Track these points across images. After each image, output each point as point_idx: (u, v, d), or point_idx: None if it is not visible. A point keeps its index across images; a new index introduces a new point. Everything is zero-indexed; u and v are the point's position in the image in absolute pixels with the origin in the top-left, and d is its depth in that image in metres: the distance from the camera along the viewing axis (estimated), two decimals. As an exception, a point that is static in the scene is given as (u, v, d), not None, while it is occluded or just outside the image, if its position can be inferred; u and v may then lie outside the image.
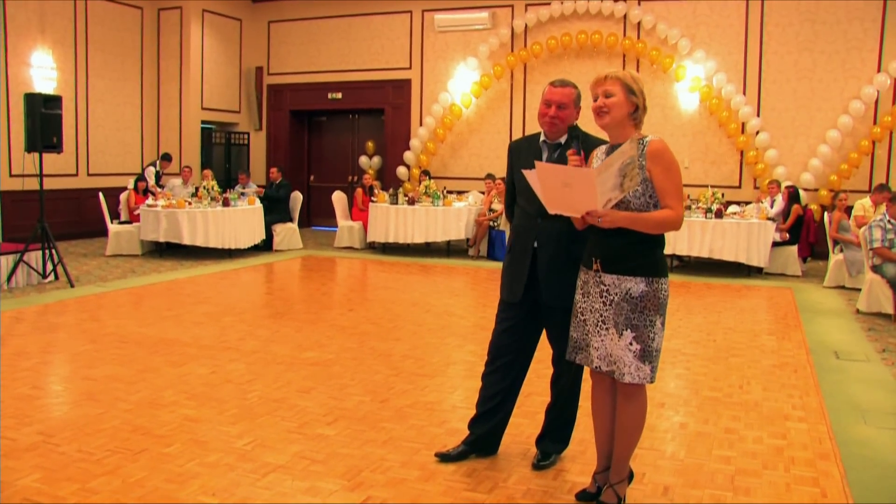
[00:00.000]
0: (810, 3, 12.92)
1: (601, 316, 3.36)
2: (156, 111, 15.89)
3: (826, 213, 11.21)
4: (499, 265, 4.23)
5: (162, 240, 11.63)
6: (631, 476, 3.61)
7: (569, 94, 3.72)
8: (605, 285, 3.34)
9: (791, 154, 13.09)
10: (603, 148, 3.51)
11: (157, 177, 13.90)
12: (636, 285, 3.28)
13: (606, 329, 3.34)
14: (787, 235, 11.21)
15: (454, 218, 12.47)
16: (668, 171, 3.25)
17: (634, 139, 3.19)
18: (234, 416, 4.70)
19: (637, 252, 3.30)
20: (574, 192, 3.14)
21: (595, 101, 3.35)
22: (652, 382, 3.34)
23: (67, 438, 4.26)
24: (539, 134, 3.86)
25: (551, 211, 3.33)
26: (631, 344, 3.28)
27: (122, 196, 12.96)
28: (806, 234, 11.56)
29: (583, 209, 3.20)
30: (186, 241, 11.44)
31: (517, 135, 14.52)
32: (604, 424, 3.58)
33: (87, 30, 14.19)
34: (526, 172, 3.31)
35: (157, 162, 14.16)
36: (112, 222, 12.23)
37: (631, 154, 3.07)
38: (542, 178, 3.21)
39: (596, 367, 3.42)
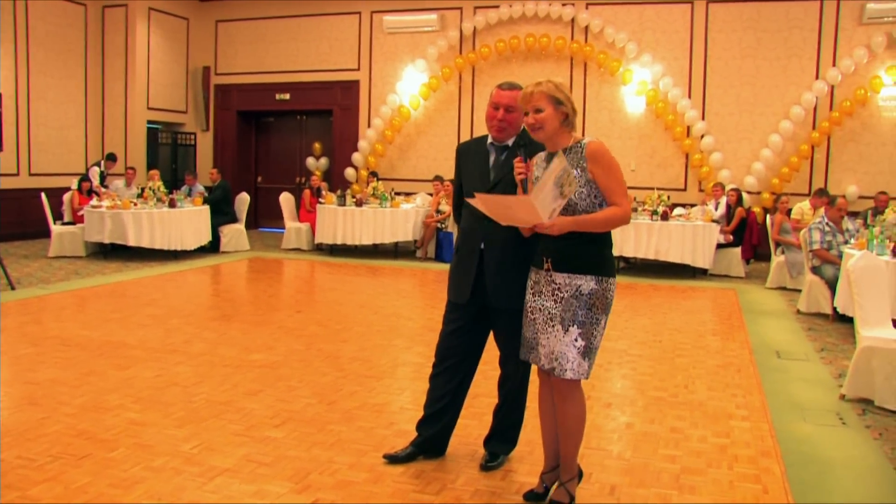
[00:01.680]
0: (752, 10, 13.20)
1: (549, 314, 3.41)
2: (100, 110, 15.59)
3: (768, 216, 11.44)
4: (446, 267, 4.25)
5: (107, 241, 11.42)
6: (580, 474, 3.66)
7: (517, 96, 3.72)
8: (556, 284, 3.40)
9: (735, 157, 13.35)
10: (542, 155, 3.56)
11: (102, 177, 13.65)
12: (587, 283, 3.36)
13: (552, 326, 3.39)
14: (731, 237, 11.41)
15: (402, 220, 12.45)
16: (609, 170, 3.35)
17: (561, 154, 3.34)
18: (180, 419, 4.64)
19: (586, 251, 3.38)
20: (517, 212, 3.27)
21: (526, 115, 3.44)
22: (587, 378, 3.43)
23: (7, 444, 4.15)
24: (486, 136, 3.88)
25: (503, 223, 3.42)
26: (576, 340, 3.35)
27: (66, 196, 12.70)
28: (749, 236, 11.78)
29: (530, 223, 3.30)
30: (132, 242, 11.25)
31: (465, 137, 14.56)
32: (550, 423, 3.62)
33: (27, 26, 13.87)
34: (469, 200, 3.41)
35: (102, 162, 13.92)
36: (55, 223, 11.97)
37: (562, 166, 3.19)
38: (484, 206, 3.34)
39: (542, 366, 3.46)
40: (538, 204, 3.17)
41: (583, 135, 3.50)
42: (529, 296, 3.53)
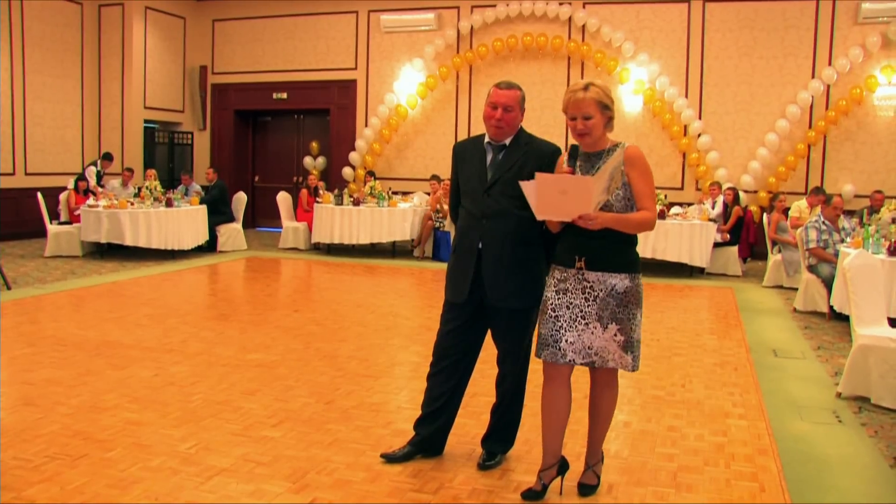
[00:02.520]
0: (749, 10, 13.22)
1: (581, 312, 3.47)
2: (97, 109, 15.58)
3: (765, 215, 11.46)
4: (444, 266, 4.24)
5: (103, 241, 11.41)
6: (602, 457, 3.80)
7: (515, 96, 3.73)
8: (588, 282, 3.48)
9: (731, 156, 13.36)
10: (564, 158, 3.59)
11: (99, 177, 13.63)
12: (620, 282, 3.46)
13: (586, 324, 3.47)
14: (728, 236, 11.43)
15: (399, 219, 12.45)
16: (644, 175, 3.46)
17: (622, 145, 3.47)
18: (177, 419, 4.63)
19: (619, 250, 3.49)
20: (569, 198, 3.27)
21: (573, 120, 3.47)
22: (635, 370, 3.55)
23: (3, 445, 4.14)
24: (483, 135, 3.87)
25: (540, 217, 3.43)
26: (616, 336, 3.47)
27: (62, 196, 12.69)
28: (746, 235, 11.81)
29: (575, 213, 3.30)
30: (129, 241, 11.24)
31: (462, 136, 14.57)
32: (558, 418, 3.63)
33: (23, 25, 13.85)
34: (523, 184, 3.37)
35: (98, 161, 13.90)
36: (51, 223, 11.95)
37: (619, 160, 3.36)
38: (540, 188, 3.32)
39: (570, 361, 3.50)
40: (595, 188, 3.23)
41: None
42: (552, 293, 3.55)
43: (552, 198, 3.33)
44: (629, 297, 3.47)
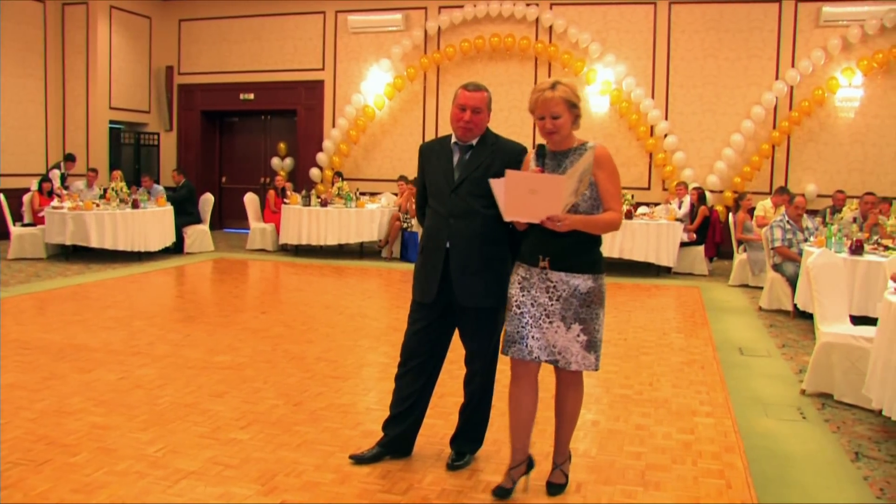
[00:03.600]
0: (714, 12, 13.36)
1: (545, 310, 3.49)
2: (61, 110, 15.36)
3: (731, 215, 11.58)
4: (412, 266, 4.25)
5: (68, 242, 11.28)
6: (569, 456, 3.82)
7: (482, 98, 3.74)
8: (551, 282, 3.49)
9: (698, 157, 13.49)
10: (532, 154, 3.60)
11: (63, 179, 13.46)
12: (584, 282, 3.48)
13: (550, 322, 3.49)
14: (695, 236, 11.53)
15: (367, 220, 12.42)
16: (611, 176, 3.48)
17: (591, 147, 3.45)
18: (144, 422, 4.59)
19: (583, 251, 3.50)
20: (539, 198, 3.25)
21: (542, 120, 3.46)
22: (597, 370, 3.59)
23: (-34, 449, 4.09)
24: (450, 136, 3.88)
25: (507, 218, 3.42)
26: (578, 336, 3.49)
27: (26, 197, 12.49)
28: (712, 234, 11.92)
29: (544, 214, 3.29)
30: (94, 243, 11.11)
31: (430, 136, 14.55)
32: (526, 416, 3.64)
33: (-16, 24, 13.66)
34: (493, 181, 3.36)
35: (62, 163, 13.73)
36: (14, 224, 11.79)
37: (589, 161, 3.31)
38: (509, 186, 3.28)
39: (535, 358, 3.52)
40: (565, 187, 3.21)
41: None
42: (516, 290, 3.56)
43: (521, 197, 3.29)
44: (592, 297, 3.50)
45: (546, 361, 3.56)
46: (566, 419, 3.72)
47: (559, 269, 3.48)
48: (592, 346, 3.53)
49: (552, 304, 3.49)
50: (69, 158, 13.74)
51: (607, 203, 3.47)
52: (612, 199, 3.47)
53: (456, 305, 3.81)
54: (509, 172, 3.29)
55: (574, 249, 3.47)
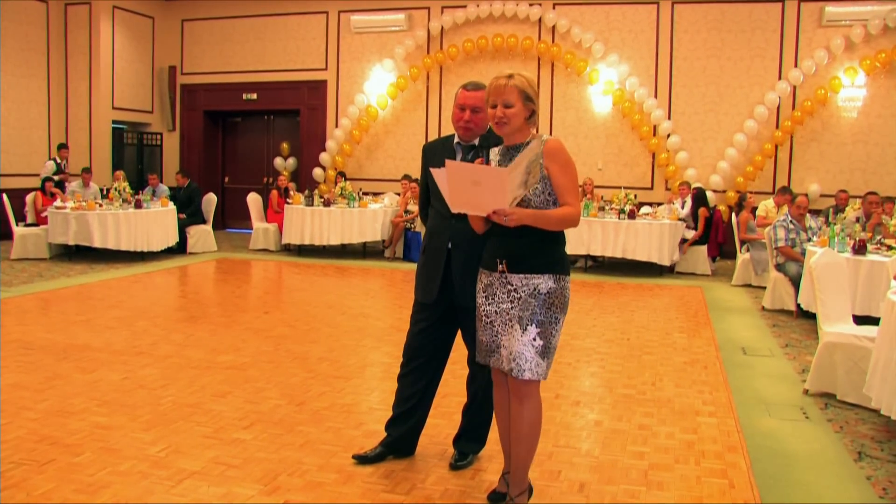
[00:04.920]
0: (717, 12, 13.35)
1: (508, 315, 3.33)
2: (64, 110, 15.39)
3: (734, 214, 11.57)
4: (414, 266, 4.24)
5: (71, 243, 11.29)
6: (530, 490, 3.52)
7: (482, 97, 3.71)
8: (512, 285, 3.33)
9: (700, 156, 13.48)
10: (497, 150, 3.53)
11: (59, 169, 13.53)
12: (544, 282, 3.29)
13: (512, 327, 3.31)
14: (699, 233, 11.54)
15: (370, 219, 12.42)
16: (564, 169, 3.29)
17: (539, 138, 3.29)
18: (147, 422, 4.59)
19: (542, 250, 3.32)
20: (483, 190, 3.11)
21: (493, 108, 3.33)
22: (545, 379, 3.32)
23: (-30, 449, 4.09)
24: (453, 136, 3.88)
25: (454, 210, 3.28)
26: (535, 339, 3.27)
27: (28, 198, 12.50)
28: (715, 234, 11.91)
29: (489, 208, 3.16)
30: (97, 243, 11.12)
31: (433, 136, 14.59)
32: (508, 425, 3.54)
33: (-13, 24, 13.67)
34: (434, 171, 3.27)
35: (56, 157, 13.85)
36: (17, 224, 11.81)
37: (536, 151, 3.13)
38: (451, 177, 3.15)
39: (502, 368, 3.37)
40: (510, 181, 3.05)
41: (550, 133, 3.47)
42: (482, 300, 3.44)
43: (465, 189, 3.15)
44: (553, 298, 3.30)
45: (504, 372, 3.38)
46: (521, 440, 3.38)
47: (518, 271, 3.31)
48: (547, 352, 3.30)
49: (512, 308, 3.31)
50: (62, 147, 13.86)
51: (562, 197, 3.28)
52: (567, 193, 3.28)
53: (458, 306, 3.81)
54: (449, 162, 3.15)
55: (531, 249, 3.30)
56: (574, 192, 3.31)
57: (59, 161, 13.72)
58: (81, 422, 4.57)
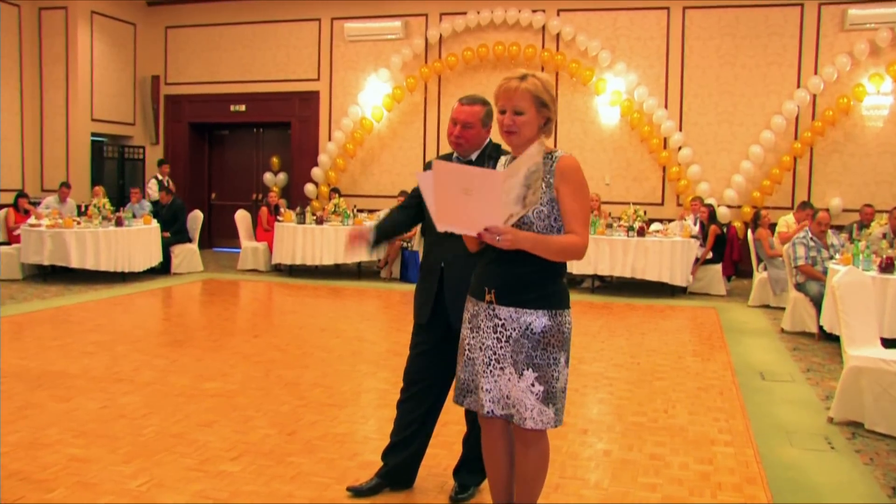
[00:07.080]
0: (730, 17, 13.41)
1: (494, 354, 3.09)
2: (38, 121, 15.40)
3: (749, 232, 11.57)
4: (412, 287, 4.24)
5: (46, 262, 11.26)
6: None
7: (476, 112, 3.71)
8: (499, 319, 3.09)
9: (714, 170, 13.50)
10: (504, 160, 3.39)
11: (162, 186, 14.16)
12: (537, 319, 3.04)
13: (501, 369, 3.08)
14: (711, 254, 11.52)
15: (366, 238, 12.38)
16: (577, 192, 3.03)
17: (542, 142, 3.06)
18: (127, 454, 4.56)
19: (538, 282, 3.06)
20: (474, 200, 2.77)
21: (502, 114, 3.08)
22: (557, 426, 3.11)
23: (-63, 483, 4.07)
24: (453, 151, 3.89)
25: (441, 227, 2.94)
26: (533, 385, 3.03)
27: (0, 214, 12.51)
28: (729, 252, 11.90)
29: (481, 224, 2.82)
30: (74, 263, 11.11)
31: (431, 150, 14.65)
32: (499, 475, 3.35)
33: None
34: (419, 175, 3.01)
35: (157, 174, 14.82)
36: (-11, 243, 11.82)
37: (537, 160, 2.79)
38: (438, 182, 2.82)
39: (488, 412, 3.13)
40: (504, 190, 2.70)
41: (555, 146, 3.31)
42: (466, 331, 3.23)
43: (454, 198, 2.79)
44: (549, 338, 3.03)
45: (501, 416, 3.14)
46: (524, 483, 3.22)
47: (507, 304, 3.06)
48: (551, 398, 3.04)
49: (501, 347, 3.06)
50: (162, 163, 15.14)
51: (569, 224, 2.99)
52: (575, 220, 2.99)
53: (453, 328, 3.79)
54: (437, 162, 2.87)
55: (527, 280, 3.04)
56: (584, 220, 3.03)
57: (159, 178, 13.89)
58: (55, 454, 4.54)
